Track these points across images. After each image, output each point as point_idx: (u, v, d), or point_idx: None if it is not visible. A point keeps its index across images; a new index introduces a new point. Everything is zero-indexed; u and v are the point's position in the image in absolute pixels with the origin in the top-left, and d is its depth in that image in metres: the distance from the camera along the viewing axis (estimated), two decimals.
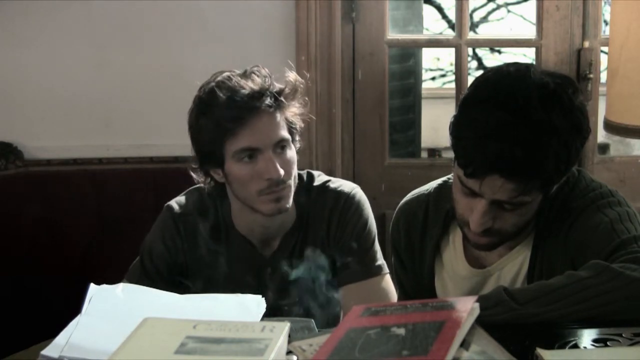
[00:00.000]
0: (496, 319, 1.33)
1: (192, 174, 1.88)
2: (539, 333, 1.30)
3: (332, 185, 1.90)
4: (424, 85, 5.18)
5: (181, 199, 1.92)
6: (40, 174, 2.71)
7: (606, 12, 3.12)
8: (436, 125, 4.44)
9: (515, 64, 1.57)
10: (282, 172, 1.75)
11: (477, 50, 6.34)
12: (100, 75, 2.75)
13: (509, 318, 1.35)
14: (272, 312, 1.58)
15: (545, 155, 1.47)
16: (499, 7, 6.52)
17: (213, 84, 1.77)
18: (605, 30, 2.80)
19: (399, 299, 1.88)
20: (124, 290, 1.48)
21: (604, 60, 2.73)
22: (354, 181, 1.98)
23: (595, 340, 1.28)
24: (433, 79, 6.59)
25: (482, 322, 1.24)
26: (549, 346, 1.24)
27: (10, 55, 2.74)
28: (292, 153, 1.80)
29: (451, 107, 2.43)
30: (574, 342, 1.27)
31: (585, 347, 1.26)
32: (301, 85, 1.83)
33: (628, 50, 2.07)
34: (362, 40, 2.81)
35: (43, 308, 2.50)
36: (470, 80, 1.99)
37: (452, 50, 2.91)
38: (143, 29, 2.74)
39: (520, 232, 1.62)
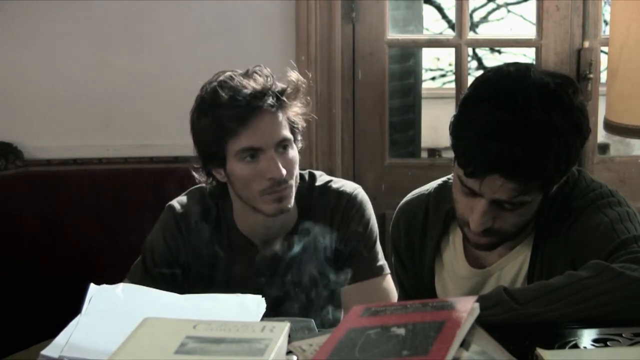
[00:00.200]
0: (496, 319, 1.33)
1: (194, 173, 1.88)
2: (539, 333, 1.30)
3: (334, 185, 1.90)
4: (424, 85, 5.18)
5: (183, 198, 1.92)
6: (40, 174, 2.71)
7: (606, 12, 3.12)
8: (436, 125, 4.44)
9: (515, 64, 1.57)
10: (284, 171, 1.75)
11: (477, 50, 6.34)
12: (100, 75, 2.75)
13: (509, 318, 1.35)
14: (273, 312, 1.58)
15: (545, 155, 1.47)
16: (499, 7, 6.52)
17: (215, 83, 1.78)
18: (605, 30, 2.80)
19: (399, 298, 1.88)
20: (124, 290, 1.48)
21: (604, 60, 2.73)
22: (354, 181, 1.98)
23: (595, 340, 1.28)
24: (433, 79, 6.59)
25: (482, 322, 1.24)
26: (549, 346, 1.24)
27: (10, 55, 2.74)
28: (294, 153, 1.80)
29: (451, 107, 2.43)
30: (574, 342, 1.27)
31: (585, 347, 1.27)
32: (303, 85, 1.83)
33: (628, 50, 2.07)
34: (362, 40, 2.81)
35: (43, 308, 2.50)
36: (470, 80, 1.99)
37: (452, 50, 2.91)
38: (143, 29, 2.74)
39: (520, 232, 1.62)
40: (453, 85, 2.96)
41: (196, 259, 1.87)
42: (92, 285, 1.46)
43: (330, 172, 2.30)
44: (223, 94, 1.74)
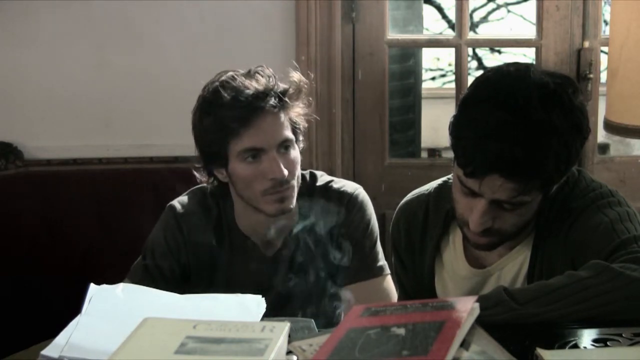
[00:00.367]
0: (496, 319, 1.33)
1: (195, 173, 1.89)
2: (539, 333, 1.30)
3: (335, 185, 1.90)
4: (424, 85, 5.18)
5: (184, 198, 1.92)
6: (40, 174, 2.71)
7: (606, 12, 3.12)
8: (436, 125, 4.44)
9: (515, 63, 1.57)
10: (286, 172, 1.75)
11: (477, 50, 6.34)
12: (100, 75, 2.75)
13: (509, 318, 1.35)
14: (273, 312, 1.58)
15: (545, 155, 1.47)
16: (499, 7, 6.51)
17: (217, 83, 1.78)
18: (605, 30, 2.80)
19: (399, 298, 1.88)
20: (124, 290, 1.48)
21: (604, 60, 2.73)
22: (354, 181, 1.98)
23: (595, 340, 1.28)
24: (433, 79, 6.59)
25: (482, 322, 1.24)
26: (549, 346, 1.24)
27: (10, 55, 2.74)
28: (295, 153, 1.81)
29: (451, 107, 2.43)
30: (574, 342, 1.27)
31: (585, 347, 1.27)
32: (305, 86, 1.83)
33: (628, 50, 2.07)
34: (362, 40, 2.81)
35: (43, 308, 2.50)
36: (470, 80, 1.99)
37: (452, 50, 2.91)
38: (143, 29, 2.74)
39: (520, 232, 1.62)
40: (453, 85, 2.96)
41: (197, 259, 1.87)
42: (92, 285, 1.46)
43: (330, 172, 2.30)
44: (225, 94, 1.74)
